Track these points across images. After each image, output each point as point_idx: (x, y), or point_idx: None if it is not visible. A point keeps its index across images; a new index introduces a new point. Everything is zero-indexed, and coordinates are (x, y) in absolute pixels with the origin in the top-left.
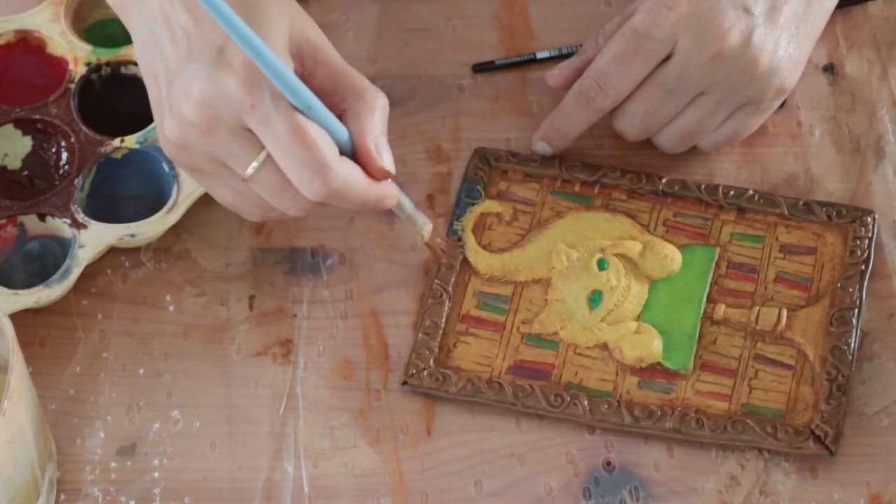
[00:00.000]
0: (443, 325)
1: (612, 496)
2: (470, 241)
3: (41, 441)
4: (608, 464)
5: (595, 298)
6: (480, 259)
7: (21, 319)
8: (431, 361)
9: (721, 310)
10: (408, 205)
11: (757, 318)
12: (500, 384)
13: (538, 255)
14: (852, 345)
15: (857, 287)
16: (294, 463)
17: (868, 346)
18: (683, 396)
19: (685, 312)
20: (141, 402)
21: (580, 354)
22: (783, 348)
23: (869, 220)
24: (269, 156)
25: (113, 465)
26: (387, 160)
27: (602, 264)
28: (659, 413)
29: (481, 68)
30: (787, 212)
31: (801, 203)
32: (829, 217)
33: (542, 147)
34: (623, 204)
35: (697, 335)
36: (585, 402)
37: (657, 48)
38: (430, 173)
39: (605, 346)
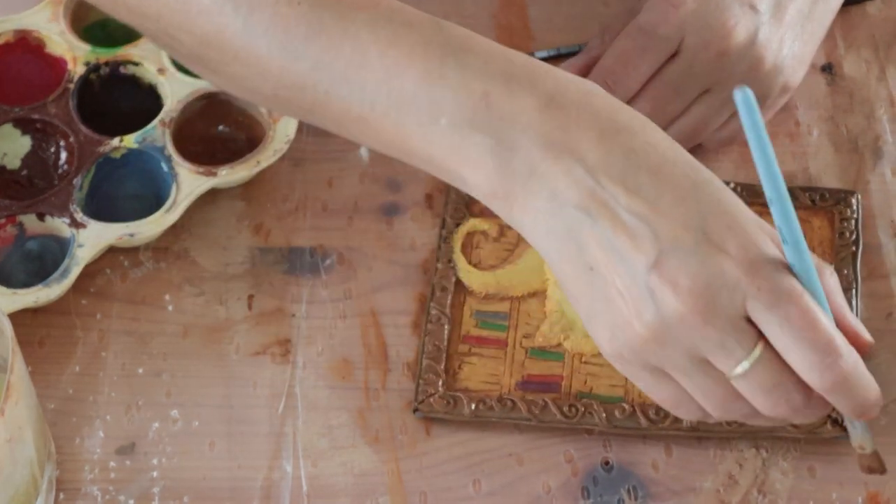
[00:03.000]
0: (445, 348)
1: (611, 495)
2: (461, 261)
3: (40, 440)
4: (606, 463)
5: None
6: (473, 278)
7: (20, 319)
8: (440, 385)
9: None
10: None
11: None
12: (512, 401)
13: (530, 267)
14: None
15: (851, 268)
16: (293, 462)
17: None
18: None
19: None
20: (140, 401)
21: (586, 363)
22: None
23: (853, 200)
24: (765, 349)
25: (112, 464)
26: (864, 332)
27: None
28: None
29: None
30: (769, 200)
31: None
32: (812, 201)
33: None
34: None
35: None
36: (601, 411)
37: (663, 46)
38: (429, 173)
39: None
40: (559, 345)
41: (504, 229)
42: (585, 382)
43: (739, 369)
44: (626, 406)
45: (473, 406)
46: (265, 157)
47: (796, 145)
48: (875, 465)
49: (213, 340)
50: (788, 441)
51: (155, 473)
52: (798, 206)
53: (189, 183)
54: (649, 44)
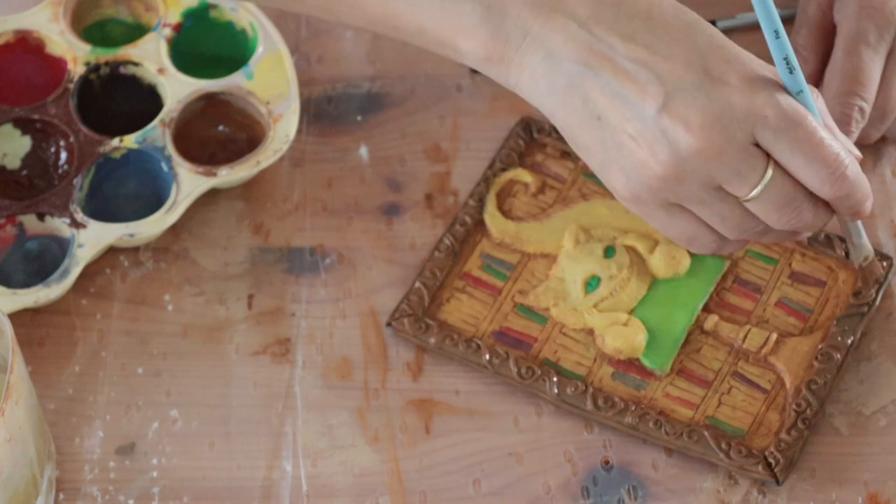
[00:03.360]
0: (442, 278)
1: (611, 495)
2: (491, 203)
3: (40, 440)
4: (606, 463)
5: (592, 283)
6: (496, 223)
7: (20, 319)
8: (420, 309)
9: (713, 321)
10: (861, 229)
11: (745, 337)
12: (478, 345)
13: (553, 231)
14: (829, 384)
15: (853, 329)
16: (293, 462)
17: (866, 346)
18: (652, 396)
19: (677, 316)
20: (140, 401)
21: (564, 334)
22: (763, 371)
23: (885, 264)
24: (775, 169)
25: (112, 464)
26: (857, 151)
27: (609, 252)
28: (622, 406)
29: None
30: (807, 240)
31: (822, 235)
32: (846, 254)
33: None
34: None
35: (683, 340)
36: (555, 380)
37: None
38: (428, 173)
39: (590, 332)
40: (547, 309)
41: (545, 187)
42: (555, 352)
43: (754, 192)
44: (580, 385)
45: (441, 338)
46: (265, 157)
47: None
48: (875, 268)
49: (213, 340)
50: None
51: (154, 473)
52: (831, 255)
53: (189, 183)
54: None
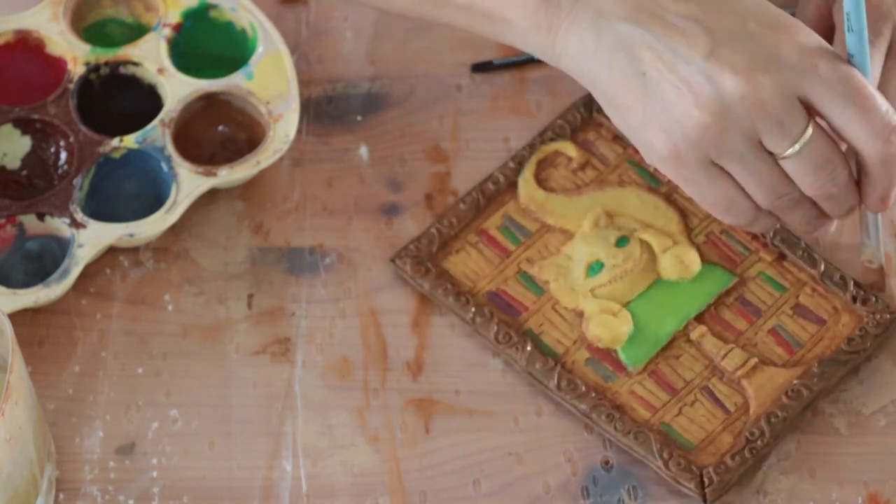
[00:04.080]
0: (458, 229)
1: (611, 495)
2: (528, 169)
3: (40, 440)
4: (606, 463)
5: (595, 268)
6: (527, 188)
7: (20, 319)
8: (425, 254)
9: (700, 332)
10: (880, 228)
11: (725, 355)
12: (467, 300)
13: (579, 209)
14: (789, 420)
15: (833, 373)
16: (292, 462)
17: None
18: (617, 390)
19: (667, 319)
20: (140, 401)
21: (555, 311)
22: (732, 392)
23: (888, 317)
24: (815, 128)
25: (112, 464)
26: None
27: (622, 242)
28: (582, 391)
29: (480, 68)
30: (820, 276)
31: (838, 275)
32: (853, 299)
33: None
34: (684, 200)
35: (665, 344)
36: (527, 353)
37: None
38: (428, 172)
39: (580, 314)
40: (547, 282)
41: (588, 166)
42: (540, 325)
43: (793, 149)
44: (551, 362)
45: (435, 286)
46: (265, 157)
47: None
48: (878, 281)
49: (213, 340)
50: (789, 441)
51: (154, 473)
52: (839, 296)
53: (189, 183)
54: None
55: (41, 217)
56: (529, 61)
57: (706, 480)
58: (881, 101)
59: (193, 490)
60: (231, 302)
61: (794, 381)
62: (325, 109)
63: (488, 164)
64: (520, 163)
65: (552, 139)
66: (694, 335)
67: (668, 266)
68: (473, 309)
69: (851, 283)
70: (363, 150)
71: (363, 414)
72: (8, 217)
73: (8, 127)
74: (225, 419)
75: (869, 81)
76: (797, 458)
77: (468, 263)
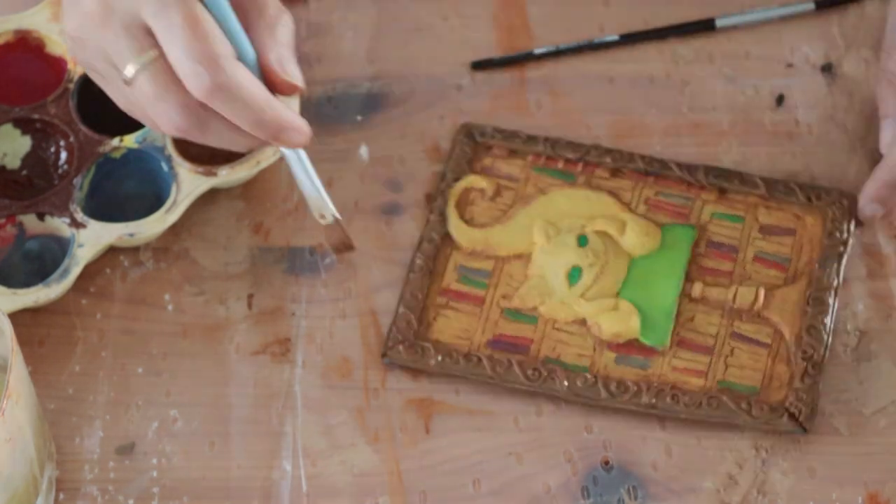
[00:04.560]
0: (423, 299)
1: (611, 495)
2: (453, 216)
3: (40, 440)
4: (606, 463)
5: (575, 274)
6: (462, 234)
7: (20, 319)
8: (411, 334)
9: (699, 288)
10: (314, 179)
11: (735, 297)
12: (478, 358)
13: (520, 230)
14: (828, 324)
15: (835, 268)
16: (293, 462)
17: (866, 347)
18: (660, 372)
19: (664, 290)
20: (140, 401)
21: (559, 329)
22: (759, 327)
23: (845, 202)
24: (154, 59)
25: (112, 464)
26: (291, 72)
27: (583, 241)
28: (635, 388)
29: (480, 65)
30: (767, 193)
31: (780, 185)
32: (808, 199)
33: (873, 209)
34: (606, 182)
35: (675, 313)
36: (564, 378)
37: None
38: (428, 172)
39: (583, 322)
40: (535, 308)
41: (501, 189)
42: (554, 349)
43: (128, 72)
44: (589, 377)
45: (440, 358)
46: (265, 156)
47: (796, 144)
48: (343, 240)
49: (213, 340)
50: (789, 441)
51: (154, 473)
52: (794, 202)
53: (189, 183)
54: None
55: (41, 217)
56: (529, 58)
57: (794, 412)
58: (207, 38)
59: (193, 490)
60: (231, 302)
61: (808, 292)
62: (325, 109)
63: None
64: (441, 214)
65: (456, 179)
66: (695, 293)
67: (634, 243)
68: (489, 364)
69: (796, 187)
70: (363, 150)
71: (363, 414)
72: (8, 217)
73: (8, 127)
74: (225, 419)
75: (211, 19)
76: (797, 458)
77: (452, 325)
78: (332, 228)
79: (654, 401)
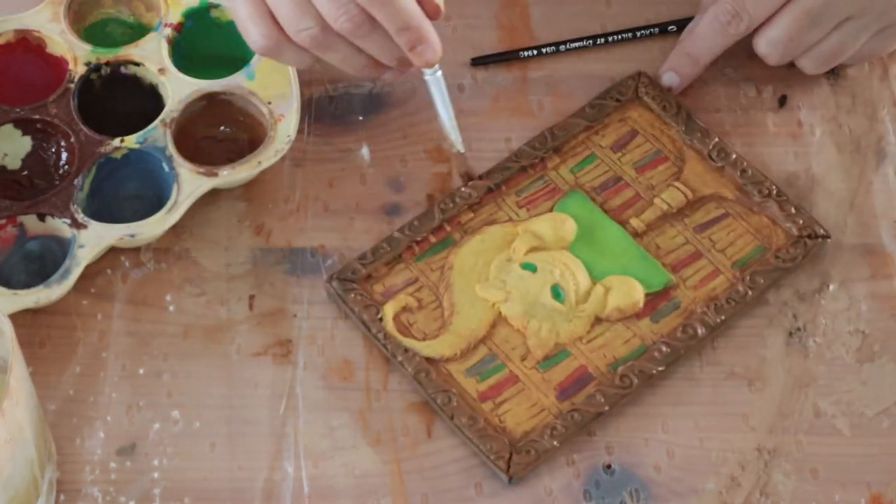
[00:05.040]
0: (481, 419)
1: (613, 498)
2: (413, 343)
3: (41, 441)
4: (608, 466)
5: (557, 293)
6: (438, 349)
7: (21, 319)
8: (506, 445)
9: (635, 222)
10: (449, 110)
11: (666, 204)
12: (571, 415)
13: (473, 311)
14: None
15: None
16: (294, 463)
17: (869, 348)
18: (691, 298)
19: (618, 246)
20: (141, 402)
21: (590, 341)
22: (706, 207)
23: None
24: None
25: (112, 465)
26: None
27: (531, 267)
28: (691, 330)
29: (479, 61)
30: (586, 121)
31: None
32: (616, 99)
33: (669, 78)
34: (473, 222)
35: (645, 253)
36: (636, 366)
37: None
38: (430, 173)
39: (598, 320)
40: (556, 345)
41: (415, 295)
42: (604, 356)
43: None
44: (651, 351)
45: (546, 439)
46: (266, 157)
47: (799, 146)
48: (467, 171)
49: (214, 341)
50: (791, 443)
51: (156, 474)
52: (610, 110)
53: (190, 183)
54: None
55: (42, 217)
56: (530, 57)
57: (808, 234)
58: None
59: (194, 491)
60: (232, 303)
61: (703, 151)
62: (326, 109)
63: (489, 165)
64: (405, 350)
65: (380, 319)
66: (638, 227)
67: (559, 237)
68: (570, 415)
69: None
70: (365, 151)
71: (365, 416)
72: (9, 217)
73: (9, 127)
74: (226, 420)
75: None
76: (800, 460)
77: (519, 412)
78: (460, 158)
79: (714, 317)
